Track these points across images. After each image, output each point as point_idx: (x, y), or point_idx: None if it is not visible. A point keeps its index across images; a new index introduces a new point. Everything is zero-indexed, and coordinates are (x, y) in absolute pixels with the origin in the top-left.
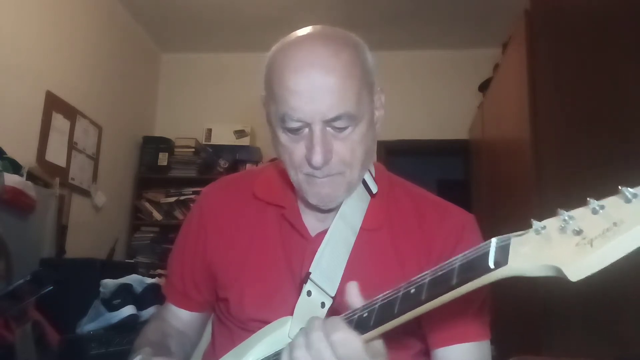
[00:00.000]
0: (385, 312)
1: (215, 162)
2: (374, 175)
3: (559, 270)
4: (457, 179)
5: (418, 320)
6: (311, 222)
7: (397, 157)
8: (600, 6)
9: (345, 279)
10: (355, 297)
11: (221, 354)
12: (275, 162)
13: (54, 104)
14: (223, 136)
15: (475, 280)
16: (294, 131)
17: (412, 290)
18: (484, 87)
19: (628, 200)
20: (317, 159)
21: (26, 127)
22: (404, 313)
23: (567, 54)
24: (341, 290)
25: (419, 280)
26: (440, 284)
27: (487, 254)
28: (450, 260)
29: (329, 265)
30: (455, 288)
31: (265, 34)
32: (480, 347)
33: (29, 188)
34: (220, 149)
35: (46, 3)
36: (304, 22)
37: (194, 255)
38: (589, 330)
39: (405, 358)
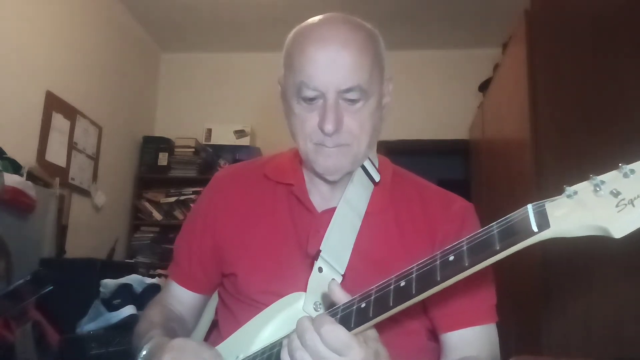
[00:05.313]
0: (423, 282)
1: (215, 162)
2: (377, 166)
3: (604, 229)
4: (457, 179)
5: (424, 306)
6: (317, 199)
7: (397, 157)
8: (600, 6)
9: (354, 258)
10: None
11: (228, 335)
12: (286, 151)
13: (54, 104)
14: (223, 136)
15: (520, 243)
16: (309, 100)
17: (451, 258)
18: (484, 87)
19: None
20: (330, 125)
21: (26, 127)
22: (447, 279)
23: (567, 54)
24: (351, 268)
25: (456, 247)
26: (481, 250)
27: (527, 218)
28: (483, 229)
29: (337, 244)
30: (500, 252)
31: (265, 34)
32: (488, 329)
33: (29, 188)
34: (220, 149)
35: (46, 3)
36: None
37: (203, 235)
38: (589, 330)
39: (420, 342)
